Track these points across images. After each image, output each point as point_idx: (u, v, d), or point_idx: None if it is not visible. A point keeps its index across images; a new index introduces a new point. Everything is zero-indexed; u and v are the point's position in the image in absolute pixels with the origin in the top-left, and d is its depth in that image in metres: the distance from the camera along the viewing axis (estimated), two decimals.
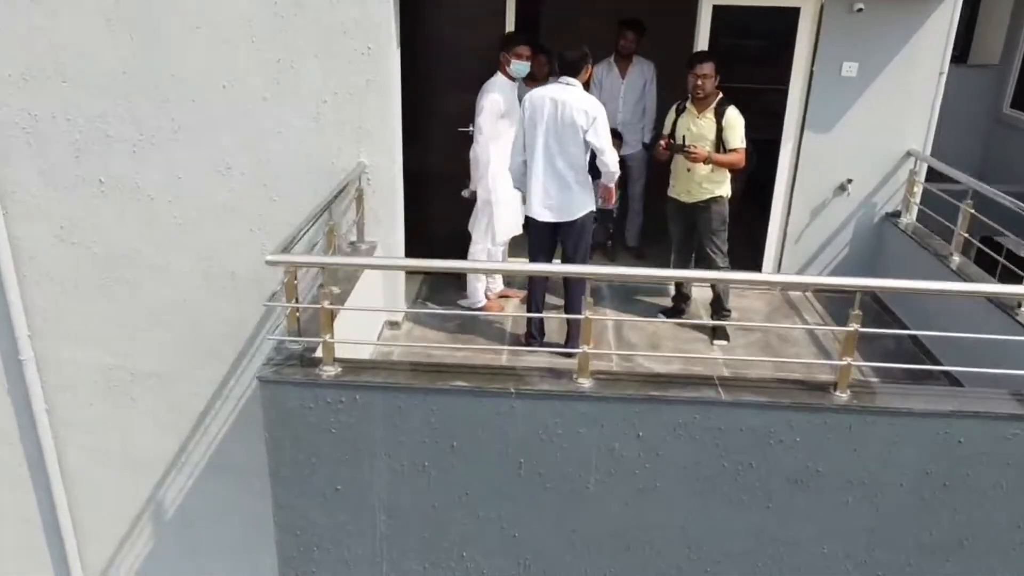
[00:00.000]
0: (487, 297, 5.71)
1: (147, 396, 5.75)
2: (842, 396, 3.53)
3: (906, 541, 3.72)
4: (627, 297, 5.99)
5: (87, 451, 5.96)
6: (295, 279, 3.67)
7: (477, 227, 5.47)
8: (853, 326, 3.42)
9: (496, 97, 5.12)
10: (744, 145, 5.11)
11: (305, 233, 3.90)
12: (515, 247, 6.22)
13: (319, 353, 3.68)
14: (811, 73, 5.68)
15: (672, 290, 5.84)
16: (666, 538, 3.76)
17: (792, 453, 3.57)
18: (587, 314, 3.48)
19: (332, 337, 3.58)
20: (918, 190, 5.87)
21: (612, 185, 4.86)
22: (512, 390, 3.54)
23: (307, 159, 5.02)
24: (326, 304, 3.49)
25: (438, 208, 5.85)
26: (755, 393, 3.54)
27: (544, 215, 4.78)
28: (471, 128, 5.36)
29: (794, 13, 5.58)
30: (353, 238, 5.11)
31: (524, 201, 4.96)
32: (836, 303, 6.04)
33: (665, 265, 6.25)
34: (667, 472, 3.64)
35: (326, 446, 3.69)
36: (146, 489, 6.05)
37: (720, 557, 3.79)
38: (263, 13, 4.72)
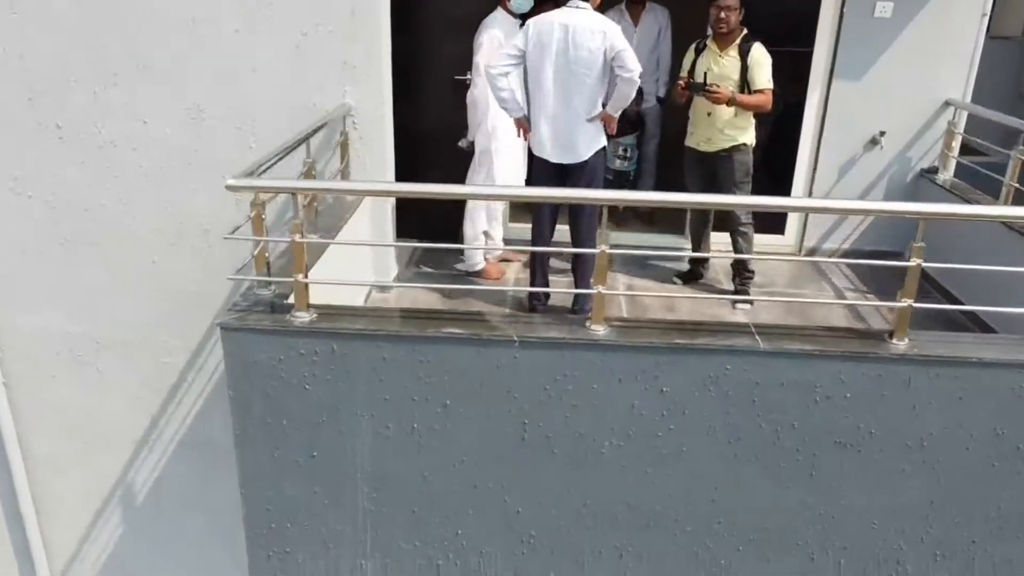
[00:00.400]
0: (486, 260, 5.22)
1: (114, 367, 5.25)
2: (900, 344, 3.03)
3: (971, 515, 3.22)
4: (640, 264, 5.49)
5: (50, 428, 5.45)
6: (263, 214, 3.17)
7: (475, 181, 4.96)
8: (916, 261, 2.91)
9: (496, 34, 4.62)
10: (771, 86, 4.61)
11: (276, 162, 3.39)
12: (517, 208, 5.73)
13: (292, 300, 3.18)
14: (841, 15, 5.18)
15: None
16: (692, 511, 3.26)
17: (841, 412, 3.07)
18: (603, 248, 2.98)
19: (306, 277, 3.08)
20: (957, 143, 5.37)
21: (616, 114, 4.29)
22: (515, 338, 3.04)
23: (287, 100, 4.53)
24: (297, 238, 2.98)
25: (432, 161, 5.34)
26: (799, 341, 3.04)
27: (553, 155, 4.27)
28: (469, 76, 4.87)
29: None
30: None
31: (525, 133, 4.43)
32: (866, 268, 5.53)
33: (679, 230, 5.81)
34: (694, 434, 3.14)
35: (299, 405, 3.19)
36: (115, 469, 5.56)
37: (754, 533, 3.29)
38: None
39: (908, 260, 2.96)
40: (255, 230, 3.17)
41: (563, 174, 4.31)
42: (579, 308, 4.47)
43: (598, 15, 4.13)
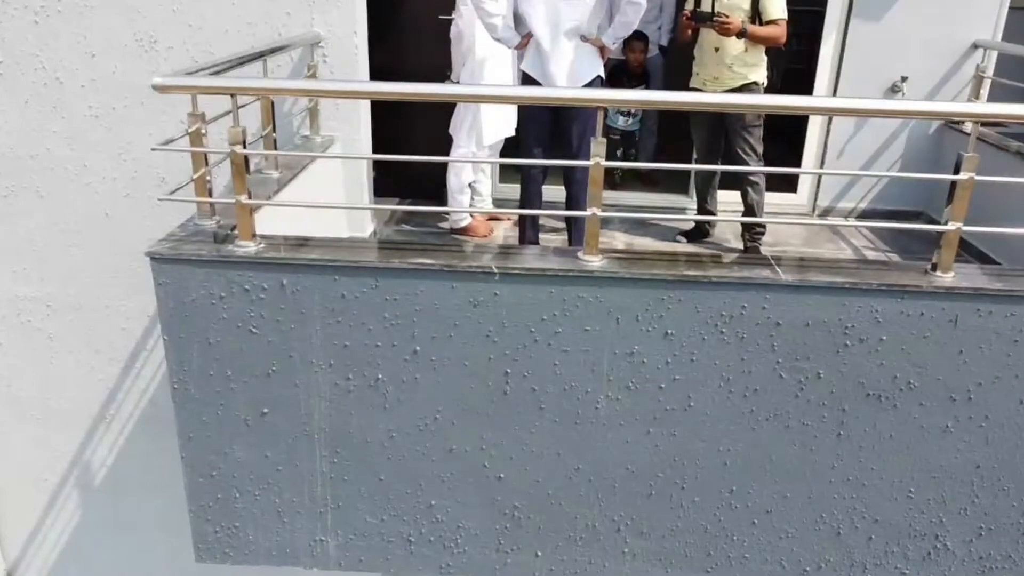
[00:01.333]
0: (472, 217, 4.77)
1: (67, 333, 4.80)
2: (946, 276, 2.58)
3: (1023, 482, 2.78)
4: (641, 223, 5.04)
5: None
6: (202, 126, 2.71)
7: (460, 128, 4.51)
8: (967, 174, 2.46)
9: None
10: (785, 16, 4.16)
11: (219, 69, 2.93)
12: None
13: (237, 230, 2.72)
14: None
15: (695, 213, 4.89)
16: (701, 477, 2.81)
17: (875, 358, 2.62)
18: (597, 160, 2.52)
19: (249, 198, 2.62)
20: (985, 89, 4.92)
21: (612, 44, 3.87)
22: (494, 270, 2.59)
23: (248, 29, 4.08)
24: (237, 149, 2.53)
25: (414, 106, 4.89)
26: (828, 273, 2.59)
27: (545, 82, 3.83)
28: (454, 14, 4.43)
29: None
30: (307, 132, 4.17)
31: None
32: (884, 230, 5.09)
33: (684, 189, 5.36)
34: (704, 385, 2.69)
35: (246, 353, 2.74)
36: (70, 447, 5.11)
37: (772, 503, 2.84)
38: None
39: (956, 172, 2.50)
40: (192, 141, 2.71)
41: (556, 108, 3.85)
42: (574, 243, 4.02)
43: None
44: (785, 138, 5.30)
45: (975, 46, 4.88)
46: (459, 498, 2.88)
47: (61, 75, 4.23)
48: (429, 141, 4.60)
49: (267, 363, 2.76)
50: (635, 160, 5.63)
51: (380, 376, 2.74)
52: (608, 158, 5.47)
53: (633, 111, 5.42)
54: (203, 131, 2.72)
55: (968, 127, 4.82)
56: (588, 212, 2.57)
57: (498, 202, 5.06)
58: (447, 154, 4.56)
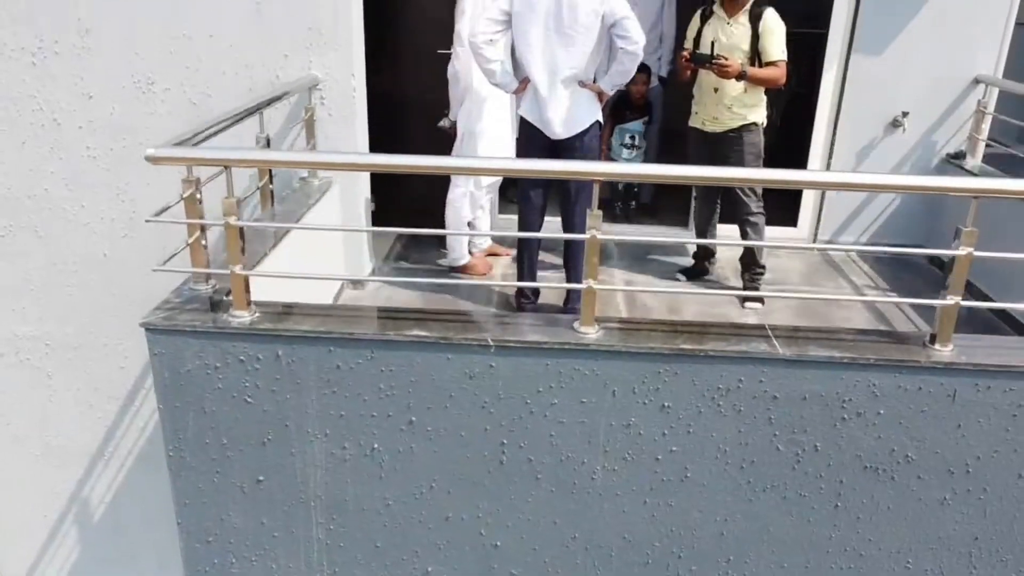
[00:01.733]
0: (471, 254, 4.75)
1: (65, 371, 4.80)
2: (944, 351, 2.56)
3: (1021, 553, 2.76)
4: (640, 256, 5.02)
5: None
6: (197, 192, 2.70)
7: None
8: (966, 249, 2.44)
9: None
10: (785, 57, 4.13)
11: (219, 131, 2.92)
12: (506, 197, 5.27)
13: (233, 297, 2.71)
14: None
15: (694, 248, 4.88)
16: (698, 547, 2.80)
17: (873, 431, 2.61)
18: (594, 233, 2.50)
19: (244, 268, 2.61)
20: (986, 125, 4.90)
21: (610, 91, 3.83)
22: (490, 342, 2.57)
23: (246, 71, 4.07)
24: (232, 220, 2.52)
25: (412, 143, 4.85)
26: (825, 347, 2.57)
27: (542, 126, 3.82)
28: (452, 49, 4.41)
29: None
30: (304, 174, 4.15)
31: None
32: (886, 264, 5.08)
33: (684, 222, 5.35)
34: (701, 457, 2.67)
35: (241, 422, 2.73)
36: (69, 483, 5.10)
37: (769, 573, 2.83)
38: None
39: (956, 248, 2.48)
40: (188, 211, 2.70)
41: (554, 151, 3.84)
42: (571, 307, 4.01)
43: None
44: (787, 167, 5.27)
45: (977, 81, 4.85)
46: (455, 565, 2.87)
47: (59, 116, 4.22)
48: (426, 179, 4.61)
49: (263, 432, 2.75)
50: (636, 192, 5.60)
51: (376, 445, 2.73)
52: (611, 190, 5.54)
53: (636, 143, 5.40)
54: (198, 196, 2.71)
55: (969, 163, 4.86)
56: (583, 285, 2.55)
57: (497, 236, 5.05)
58: (445, 191, 4.54)
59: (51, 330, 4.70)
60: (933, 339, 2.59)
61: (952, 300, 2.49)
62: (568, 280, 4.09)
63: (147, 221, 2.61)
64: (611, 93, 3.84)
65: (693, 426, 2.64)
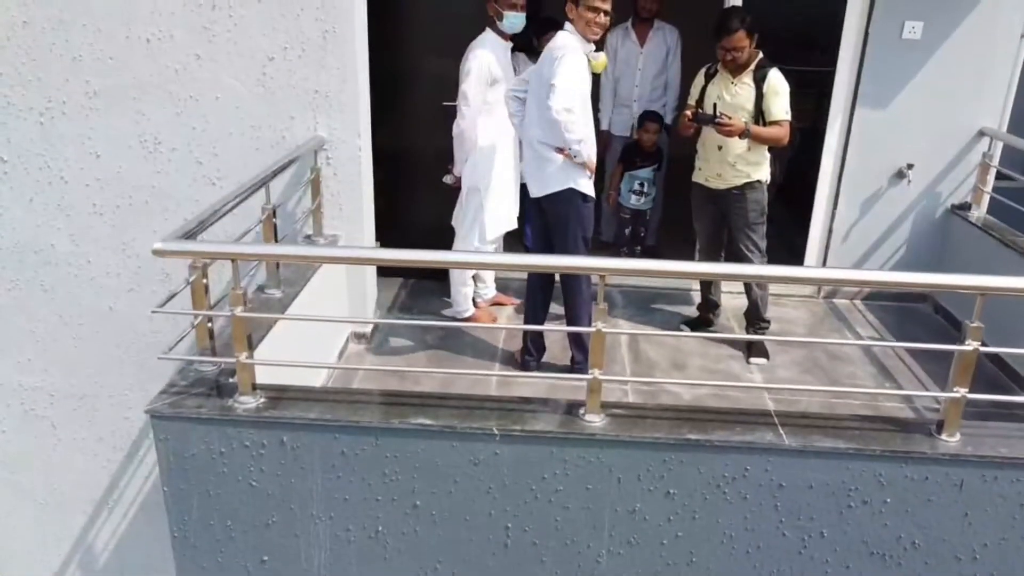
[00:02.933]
0: (476, 305, 4.76)
1: (70, 422, 4.80)
2: (951, 441, 2.56)
3: None
4: (643, 306, 5.03)
5: (3, 488, 5.00)
6: (204, 276, 2.71)
7: (462, 221, 4.50)
8: (971, 344, 2.44)
9: (486, 58, 4.15)
10: (789, 117, 4.14)
11: (223, 215, 2.94)
12: (513, 245, 5.28)
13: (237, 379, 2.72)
14: (865, 35, 4.71)
15: (697, 297, 4.88)
16: None
17: (879, 519, 2.60)
18: (599, 326, 2.51)
19: (250, 357, 2.62)
20: (991, 176, 4.90)
21: (573, 155, 3.72)
22: (495, 431, 2.57)
23: (252, 132, 4.08)
24: (239, 311, 2.52)
25: (415, 199, 4.90)
26: (830, 436, 2.56)
27: (529, 185, 3.91)
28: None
29: None
30: (309, 232, 4.17)
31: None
32: (891, 313, 5.08)
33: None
34: (707, 542, 2.67)
35: (246, 504, 2.73)
36: (73, 531, 5.10)
37: None
38: None
39: (963, 343, 2.48)
40: (195, 301, 2.71)
41: (539, 208, 3.90)
42: (578, 363, 4.01)
43: (567, 38, 3.66)
44: (790, 221, 5.28)
45: (981, 133, 4.86)
46: None
47: (66, 174, 4.25)
48: (431, 232, 4.62)
49: (267, 514, 2.75)
50: (642, 237, 5.60)
51: (380, 528, 2.73)
52: (618, 235, 5.53)
53: (645, 190, 5.41)
54: (205, 282, 2.72)
55: (975, 215, 4.87)
56: (588, 376, 2.56)
57: (501, 282, 5.05)
58: (449, 245, 4.55)
59: (56, 381, 4.71)
60: (940, 427, 2.59)
61: (959, 393, 2.48)
62: (570, 335, 4.09)
63: (153, 312, 2.61)
64: (575, 158, 3.72)
65: (698, 513, 2.63)
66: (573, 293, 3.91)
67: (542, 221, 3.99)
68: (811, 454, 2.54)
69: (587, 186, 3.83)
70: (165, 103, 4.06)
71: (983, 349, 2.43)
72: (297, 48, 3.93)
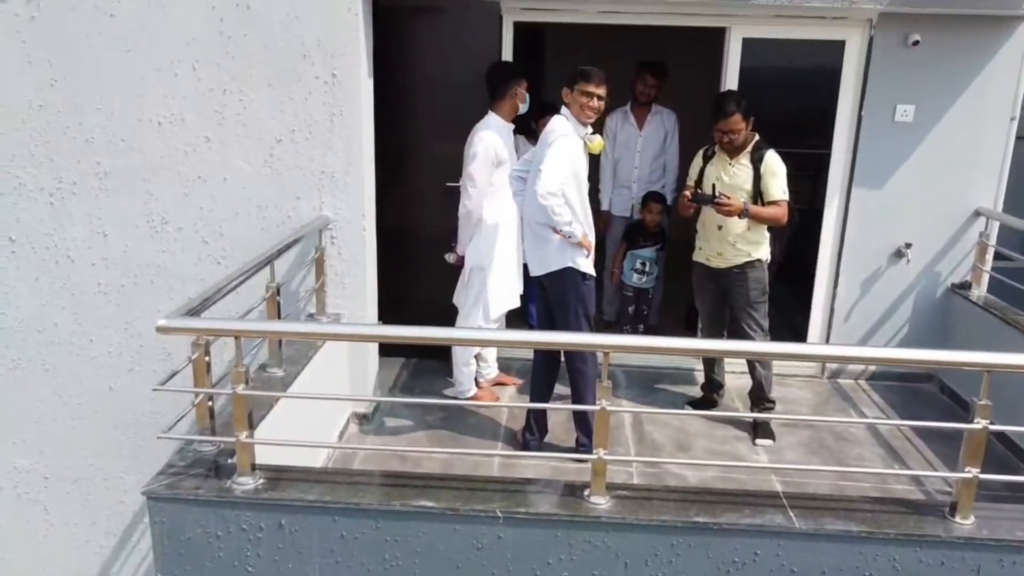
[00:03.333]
0: (478, 385, 4.72)
1: (63, 505, 4.71)
2: (965, 524, 2.50)
3: None
4: (647, 386, 5.00)
5: None
6: (206, 353, 2.70)
7: (466, 299, 4.52)
8: (980, 423, 2.41)
9: (492, 140, 4.24)
10: (787, 197, 4.20)
11: (227, 293, 2.95)
12: (515, 323, 5.28)
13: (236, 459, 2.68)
14: (859, 119, 4.83)
15: (701, 377, 4.85)
16: None
17: None
18: (603, 404, 2.48)
19: (250, 436, 2.58)
20: (989, 255, 4.94)
21: (567, 235, 3.76)
22: (498, 513, 2.52)
23: (259, 212, 4.15)
24: (240, 389, 2.50)
25: (418, 278, 4.93)
26: (842, 519, 2.51)
27: (530, 264, 3.98)
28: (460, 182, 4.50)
29: (838, 47, 4.77)
30: (312, 310, 4.18)
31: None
32: (896, 392, 5.04)
33: None
34: None
35: None
36: None
37: None
38: (207, 33, 3.93)
39: (971, 420, 2.45)
40: (196, 379, 2.69)
41: (543, 288, 3.95)
42: (583, 445, 3.95)
43: (562, 122, 3.75)
44: (792, 301, 5.30)
45: (977, 213, 4.92)
46: None
47: (73, 253, 4.29)
48: (434, 311, 4.62)
49: None
50: (645, 315, 5.60)
51: None
52: (621, 313, 5.53)
53: (647, 269, 5.44)
54: (207, 359, 2.71)
55: (975, 294, 4.88)
56: (594, 456, 2.52)
57: (503, 362, 5.03)
58: (452, 323, 4.55)
59: (51, 463, 4.64)
60: (953, 509, 2.53)
61: (971, 473, 2.44)
62: (576, 414, 4.05)
63: (154, 390, 2.59)
64: (569, 237, 3.75)
65: None
66: (578, 373, 3.89)
67: (545, 299, 4.01)
68: (823, 537, 2.47)
69: (586, 264, 3.86)
70: (174, 183, 4.14)
71: (992, 427, 2.40)
72: (304, 130, 4.03)
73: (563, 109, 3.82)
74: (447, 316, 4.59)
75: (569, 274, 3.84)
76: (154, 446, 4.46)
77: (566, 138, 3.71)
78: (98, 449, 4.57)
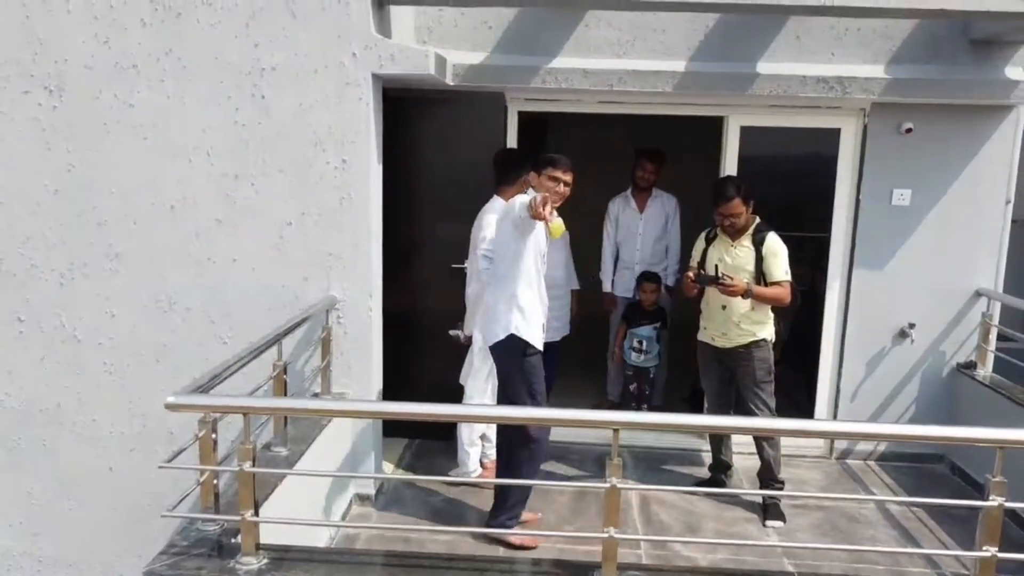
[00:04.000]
0: (483, 465, 4.67)
1: None
2: None
3: None
4: (654, 467, 4.95)
5: None
6: (213, 432, 2.69)
7: (473, 378, 4.49)
8: (996, 500, 2.38)
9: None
10: (789, 277, 4.25)
11: (236, 370, 2.96)
12: None
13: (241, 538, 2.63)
14: (857, 203, 4.94)
15: (708, 458, 4.80)
16: None
17: None
18: (613, 482, 2.46)
19: (255, 515, 2.55)
20: (993, 335, 4.96)
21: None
22: None
23: (267, 292, 4.19)
24: (247, 466, 2.49)
25: (424, 358, 4.93)
26: None
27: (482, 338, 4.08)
28: (466, 264, 4.56)
29: (834, 134, 4.92)
30: (318, 389, 4.17)
31: None
32: (906, 474, 4.98)
33: (699, 432, 5.30)
34: None
35: None
36: None
37: None
38: (223, 122, 4.06)
39: (986, 497, 2.42)
40: (202, 456, 2.68)
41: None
42: (495, 517, 3.91)
43: (521, 197, 3.74)
44: (797, 381, 5.29)
45: (978, 294, 4.97)
46: None
47: (80, 333, 4.31)
48: (439, 391, 4.59)
49: None
50: (648, 396, 5.58)
51: None
52: (623, 393, 5.52)
53: (645, 347, 5.45)
54: (214, 437, 2.70)
55: (981, 373, 4.88)
56: (604, 535, 2.48)
57: None
58: (457, 394, 4.53)
59: (45, 546, 4.55)
60: None
61: (989, 552, 2.39)
62: (496, 488, 3.99)
63: (160, 467, 2.58)
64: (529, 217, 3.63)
65: None
66: (509, 444, 3.85)
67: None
68: None
69: (529, 333, 3.81)
70: (184, 265, 4.20)
71: (1008, 505, 2.37)
72: (314, 214, 4.11)
73: (529, 191, 3.90)
74: (452, 397, 4.55)
75: (512, 343, 3.80)
76: (150, 530, 4.41)
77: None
78: (94, 532, 4.49)
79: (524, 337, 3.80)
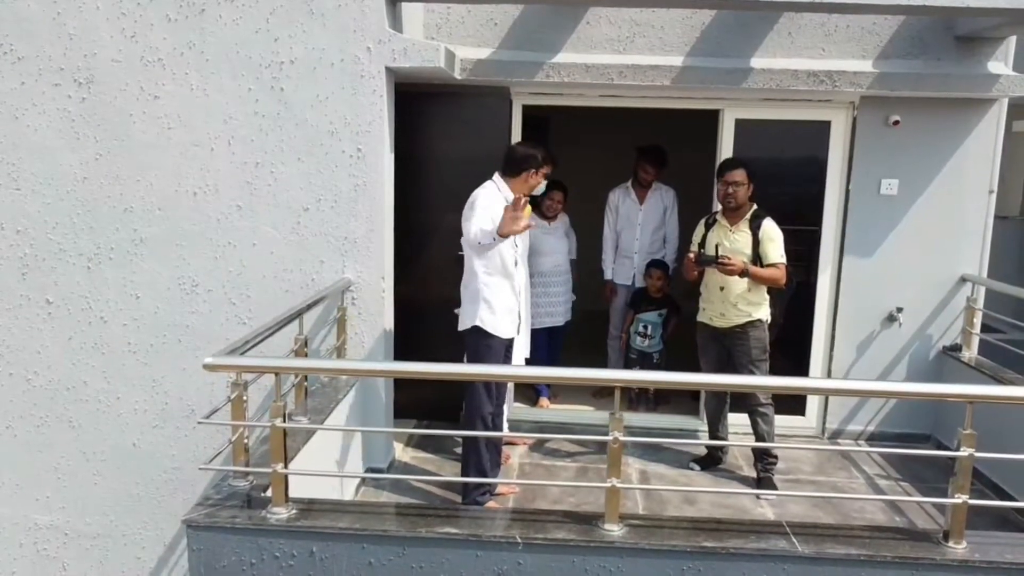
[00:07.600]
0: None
1: (82, 562, 4.79)
2: (958, 548, 2.65)
3: None
4: (654, 447, 5.15)
5: None
6: (244, 395, 2.90)
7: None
8: (967, 450, 2.59)
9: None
10: (784, 261, 4.47)
11: (265, 338, 3.17)
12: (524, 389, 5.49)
13: (271, 492, 2.85)
14: (847, 192, 5.16)
15: (705, 436, 5.02)
16: None
17: None
18: (616, 435, 2.67)
19: (286, 467, 2.76)
20: (978, 319, 5.18)
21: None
22: (518, 540, 2.67)
23: (284, 275, 4.40)
24: (278, 422, 2.70)
25: (435, 335, 5.13)
26: (842, 544, 2.66)
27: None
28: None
29: (824, 127, 5.14)
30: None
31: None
32: (894, 453, 5.18)
33: (694, 411, 5.53)
34: None
35: None
36: None
37: None
38: (243, 113, 4.27)
39: (957, 449, 2.64)
40: (235, 414, 2.89)
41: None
42: (467, 497, 4.02)
43: (491, 185, 4.01)
44: (791, 363, 5.50)
45: (963, 279, 5.18)
46: None
47: (106, 315, 4.52)
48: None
49: None
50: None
51: None
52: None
53: (649, 332, 5.66)
54: (245, 398, 2.91)
55: (966, 355, 5.09)
56: (607, 484, 2.69)
57: (513, 423, 5.21)
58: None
59: (71, 519, 4.75)
60: (946, 536, 2.68)
61: (960, 499, 2.61)
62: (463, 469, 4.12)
63: (199, 423, 2.79)
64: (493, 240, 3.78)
65: None
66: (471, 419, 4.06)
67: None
68: (825, 561, 2.62)
69: (494, 325, 3.99)
70: (205, 249, 4.41)
71: (978, 455, 2.58)
72: (330, 200, 4.33)
73: (495, 176, 4.07)
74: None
75: (475, 333, 4.00)
76: (173, 503, 4.63)
77: (488, 197, 3.95)
78: (118, 506, 4.68)
79: (487, 329, 3.99)
